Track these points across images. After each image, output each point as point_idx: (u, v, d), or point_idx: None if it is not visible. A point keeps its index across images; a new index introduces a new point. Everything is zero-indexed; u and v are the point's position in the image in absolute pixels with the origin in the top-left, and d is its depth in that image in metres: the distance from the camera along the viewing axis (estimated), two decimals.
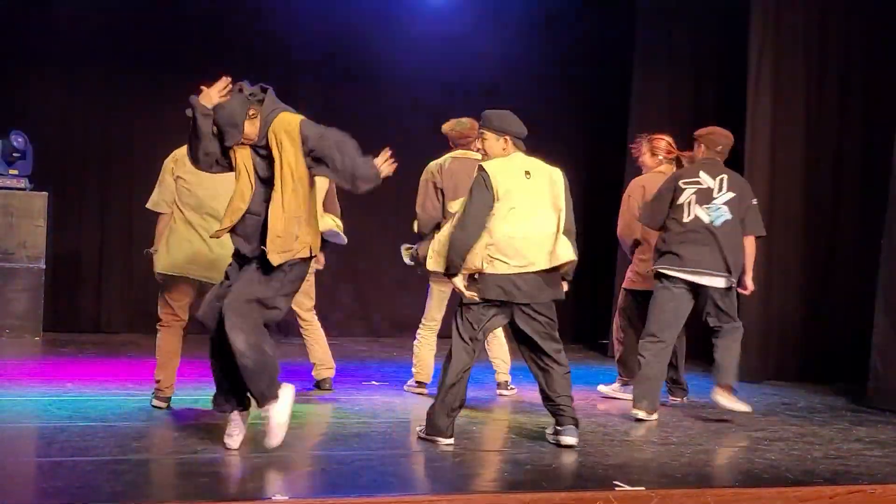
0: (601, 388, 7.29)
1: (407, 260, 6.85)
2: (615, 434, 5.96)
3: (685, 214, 6.38)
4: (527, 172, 5.54)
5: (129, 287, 9.81)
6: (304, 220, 4.97)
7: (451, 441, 5.42)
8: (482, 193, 5.44)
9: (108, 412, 5.89)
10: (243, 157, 5.00)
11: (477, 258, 5.42)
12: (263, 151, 5.00)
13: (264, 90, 5.02)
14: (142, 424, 5.67)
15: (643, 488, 4.58)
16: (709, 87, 9.61)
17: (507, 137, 5.58)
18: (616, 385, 7.26)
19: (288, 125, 4.94)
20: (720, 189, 6.41)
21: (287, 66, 9.84)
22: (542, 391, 5.61)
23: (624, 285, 7.36)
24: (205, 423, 5.70)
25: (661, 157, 7.24)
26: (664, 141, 7.28)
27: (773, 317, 8.42)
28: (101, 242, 9.78)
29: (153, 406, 6.05)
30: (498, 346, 7.11)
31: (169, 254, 6.06)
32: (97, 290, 9.76)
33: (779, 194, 8.42)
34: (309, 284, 6.85)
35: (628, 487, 4.58)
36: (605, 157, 10.20)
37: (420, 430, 5.53)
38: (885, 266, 7.35)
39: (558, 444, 5.49)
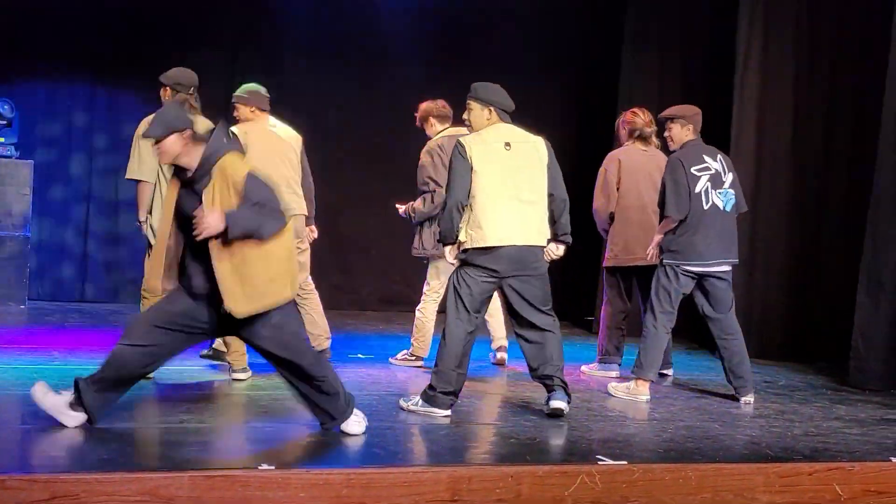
0: (584, 368, 7.33)
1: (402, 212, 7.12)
2: (598, 410, 6.00)
3: (704, 202, 6.26)
4: (507, 144, 5.59)
5: (114, 257, 9.81)
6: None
7: (448, 414, 5.51)
8: (460, 164, 5.52)
9: None
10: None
11: (461, 231, 5.51)
12: (195, 187, 4.66)
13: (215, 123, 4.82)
14: (127, 395, 5.65)
15: (626, 462, 4.63)
16: (697, 69, 9.61)
17: (492, 108, 5.65)
18: (596, 364, 7.31)
19: (235, 173, 4.60)
20: (724, 171, 6.38)
21: (279, 53, 9.84)
22: (529, 362, 5.67)
23: (604, 264, 7.37)
24: (190, 395, 5.74)
25: (628, 129, 7.24)
26: (631, 114, 7.27)
27: (757, 297, 8.47)
28: (86, 211, 9.76)
29: None
30: (495, 311, 7.14)
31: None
32: (83, 260, 9.75)
33: (764, 176, 8.45)
34: (305, 256, 6.86)
35: (611, 461, 4.62)
36: (594, 136, 10.21)
37: (412, 403, 5.60)
38: (868, 248, 7.39)
39: (550, 411, 5.56)
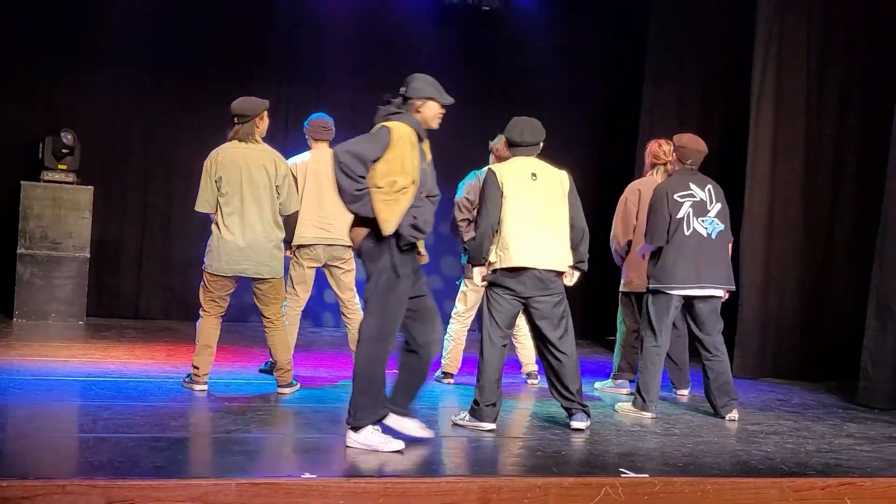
0: (597, 385, 7.28)
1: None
2: (621, 425, 5.97)
3: (685, 228, 6.18)
4: (533, 174, 5.64)
5: (167, 276, 9.87)
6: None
7: (493, 427, 5.52)
8: (491, 191, 5.57)
9: (147, 393, 5.95)
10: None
11: (491, 252, 5.54)
12: None
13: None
14: (179, 405, 5.71)
15: (647, 476, 4.59)
16: (714, 100, 9.60)
17: (514, 149, 5.74)
18: (609, 381, 7.28)
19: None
20: (711, 201, 6.27)
21: (318, 70, 9.90)
22: (551, 379, 5.67)
23: (620, 289, 7.32)
24: (237, 406, 5.75)
25: (650, 161, 7.18)
26: (656, 146, 7.17)
27: (771, 318, 8.42)
28: (141, 234, 9.85)
29: (187, 387, 6.10)
30: (524, 339, 7.13)
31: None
32: (137, 279, 9.83)
33: (778, 201, 8.41)
34: (350, 277, 6.89)
35: (633, 474, 4.59)
36: (615, 163, 10.22)
37: (459, 418, 5.64)
38: (876, 273, 7.33)
39: (569, 427, 5.57)
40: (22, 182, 8.98)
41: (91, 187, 9.16)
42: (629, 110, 10.03)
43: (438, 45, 10.05)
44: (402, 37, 10.02)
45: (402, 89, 5.05)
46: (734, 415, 6.30)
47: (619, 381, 7.18)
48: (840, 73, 8.47)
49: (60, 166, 9.08)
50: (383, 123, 4.93)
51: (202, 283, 6.10)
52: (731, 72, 9.31)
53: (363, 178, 4.76)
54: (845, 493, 4.74)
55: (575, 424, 5.59)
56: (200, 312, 6.12)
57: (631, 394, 6.73)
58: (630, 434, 5.71)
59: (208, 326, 6.09)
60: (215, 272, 6.01)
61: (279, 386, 6.23)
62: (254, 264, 6.02)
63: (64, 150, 9.03)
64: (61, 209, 9.01)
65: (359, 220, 4.89)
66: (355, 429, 4.86)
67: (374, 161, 4.78)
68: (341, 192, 4.80)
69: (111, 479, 3.94)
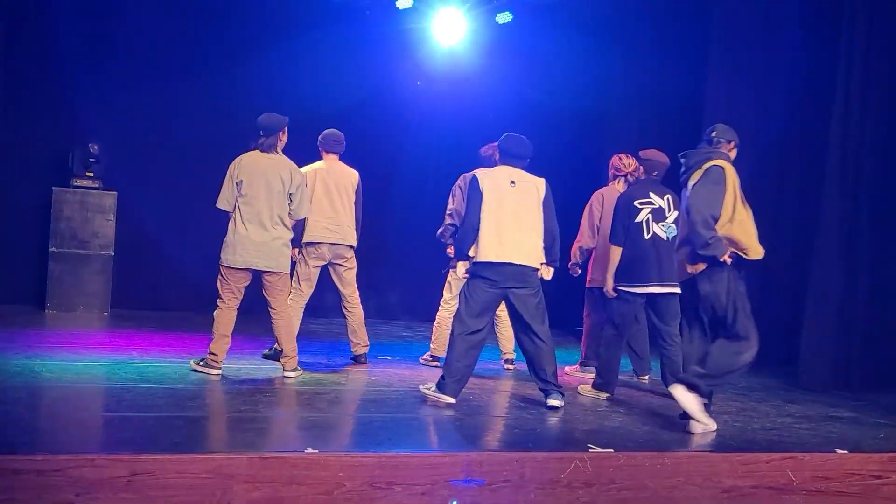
0: (567, 369, 7.30)
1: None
2: (588, 405, 5.99)
3: (646, 231, 6.20)
4: (512, 181, 5.69)
5: (183, 272, 9.82)
6: None
7: (453, 401, 5.53)
8: (473, 193, 5.64)
9: (166, 377, 5.92)
10: None
11: (472, 248, 5.58)
12: None
13: None
14: (195, 387, 5.69)
15: (612, 450, 4.62)
16: (671, 117, 9.58)
17: (504, 157, 5.80)
18: (577, 367, 7.30)
19: None
20: (669, 208, 6.27)
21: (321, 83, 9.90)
22: (529, 362, 5.68)
23: (587, 285, 7.34)
24: (247, 388, 5.74)
25: (612, 173, 7.20)
26: (617, 159, 7.18)
27: None
28: (160, 234, 9.79)
29: (202, 371, 6.07)
30: (504, 329, 7.14)
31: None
32: (156, 274, 9.76)
33: None
34: (351, 274, 6.90)
35: (600, 449, 4.61)
36: (587, 176, 10.23)
37: (426, 387, 5.68)
38: (815, 267, 7.38)
39: (548, 407, 5.61)
40: (53, 188, 8.93)
41: (115, 192, 9.12)
42: (601, 127, 10.04)
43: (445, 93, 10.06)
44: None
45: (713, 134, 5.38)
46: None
47: (587, 367, 7.20)
48: (782, 93, 8.50)
49: (88, 174, 9.03)
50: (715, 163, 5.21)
51: (220, 276, 6.08)
52: (685, 91, 9.31)
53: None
54: (787, 467, 4.77)
55: (551, 402, 5.62)
56: (218, 303, 6.10)
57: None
58: (596, 414, 5.73)
59: (226, 316, 6.08)
60: (231, 265, 6.02)
61: (285, 370, 6.22)
62: (265, 259, 6.05)
63: (91, 160, 8.99)
64: (88, 212, 8.97)
65: (696, 257, 5.15)
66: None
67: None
68: (697, 243, 5.09)
69: (134, 454, 3.93)
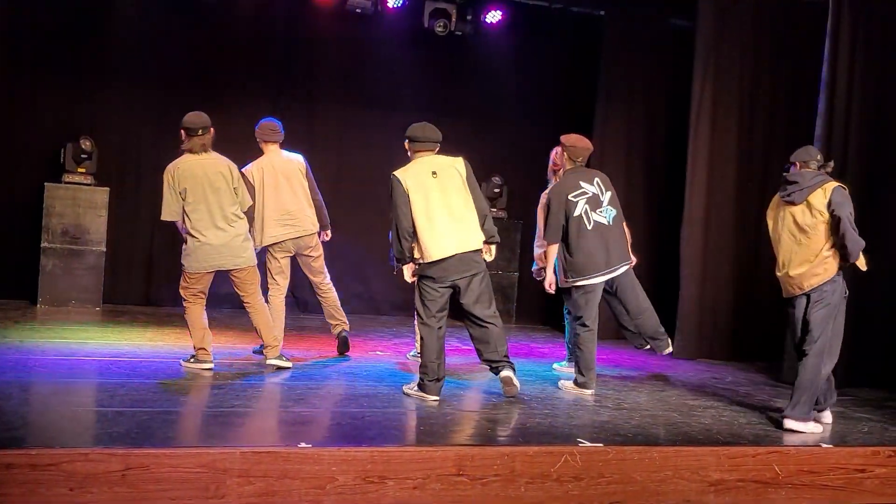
0: (555, 365, 7.30)
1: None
2: (577, 400, 6.01)
3: (587, 223, 6.11)
4: (434, 172, 5.61)
5: (174, 268, 9.75)
6: None
7: (437, 399, 5.53)
8: (397, 195, 5.54)
9: (159, 372, 5.91)
10: None
11: (415, 250, 5.55)
12: None
13: None
14: (187, 382, 5.68)
15: (601, 445, 4.64)
16: (659, 117, 9.64)
17: (416, 143, 5.69)
18: (566, 362, 7.29)
19: None
20: (602, 192, 6.20)
21: (310, 84, 9.87)
22: (479, 350, 5.68)
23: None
24: (239, 384, 5.74)
25: (552, 168, 6.91)
26: (554, 153, 6.87)
27: (707, 305, 8.48)
28: (151, 230, 9.76)
29: (194, 368, 6.06)
30: None
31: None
32: (147, 270, 9.72)
33: (714, 204, 8.48)
34: (319, 262, 6.89)
35: (589, 444, 4.63)
36: None
37: (409, 387, 5.68)
38: None
39: (501, 378, 5.63)
40: (45, 183, 8.89)
41: (107, 188, 9.07)
42: (582, 125, 10.03)
43: (417, 66, 10.04)
44: (386, 59, 9.99)
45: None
46: (668, 350, 6.59)
47: (574, 362, 7.17)
48: (767, 97, 8.57)
49: (80, 169, 8.98)
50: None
51: (183, 281, 6.08)
52: (673, 93, 9.36)
53: None
54: (773, 460, 4.80)
55: (503, 374, 5.62)
56: (185, 304, 6.08)
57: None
58: (585, 409, 5.75)
59: (196, 312, 6.08)
60: (196, 271, 6.02)
61: (267, 360, 6.24)
62: (229, 258, 6.03)
63: (83, 156, 8.94)
64: (80, 208, 8.93)
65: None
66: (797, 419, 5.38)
67: None
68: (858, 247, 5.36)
69: (129, 448, 3.94)
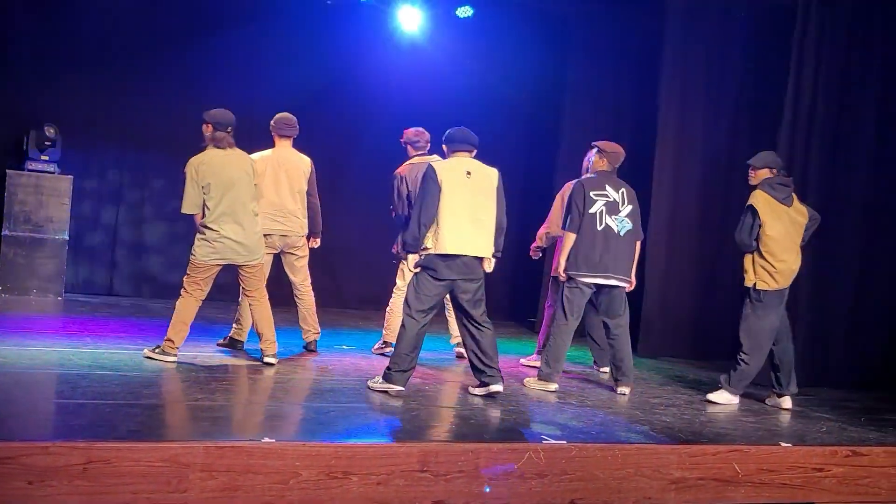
0: (522, 360, 7.32)
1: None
2: (542, 397, 6.02)
3: (598, 223, 6.19)
4: (468, 172, 5.65)
5: (138, 259, 9.70)
6: None
7: (402, 389, 5.53)
8: (430, 185, 5.56)
9: (121, 363, 5.83)
10: None
11: (427, 239, 5.55)
12: None
13: None
14: (151, 374, 5.62)
15: (565, 442, 4.65)
16: (626, 116, 9.71)
17: (453, 146, 5.76)
18: (534, 356, 7.31)
19: None
20: (623, 202, 6.29)
21: (280, 73, 9.80)
22: (472, 351, 5.69)
23: (552, 273, 7.37)
24: (203, 376, 5.68)
25: (585, 166, 7.17)
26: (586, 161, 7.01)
27: (671, 305, 8.55)
28: (115, 219, 9.66)
29: (157, 358, 5.99)
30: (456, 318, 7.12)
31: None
32: (111, 260, 9.63)
33: (679, 207, 8.56)
34: (303, 262, 6.86)
35: (553, 441, 4.64)
36: (539, 168, 10.29)
37: (373, 381, 5.67)
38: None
39: (488, 394, 5.63)
40: (7, 171, 8.75)
41: (70, 176, 8.96)
42: (552, 121, 10.09)
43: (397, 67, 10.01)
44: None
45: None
46: (625, 389, 6.29)
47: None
48: (731, 103, 8.65)
49: (43, 157, 8.86)
50: None
51: (190, 269, 6.00)
52: (640, 94, 9.42)
53: None
54: (733, 459, 4.84)
55: (494, 388, 5.64)
56: (183, 293, 6.01)
57: None
58: (550, 405, 5.77)
59: (190, 306, 6.01)
60: (205, 261, 5.95)
61: (265, 356, 6.20)
62: (245, 254, 6.04)
63: (46, 143, 8.81)
64: (43, 195, 8.80)
65: None
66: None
67: None
68: None
69: (90, 441, 3.87)
